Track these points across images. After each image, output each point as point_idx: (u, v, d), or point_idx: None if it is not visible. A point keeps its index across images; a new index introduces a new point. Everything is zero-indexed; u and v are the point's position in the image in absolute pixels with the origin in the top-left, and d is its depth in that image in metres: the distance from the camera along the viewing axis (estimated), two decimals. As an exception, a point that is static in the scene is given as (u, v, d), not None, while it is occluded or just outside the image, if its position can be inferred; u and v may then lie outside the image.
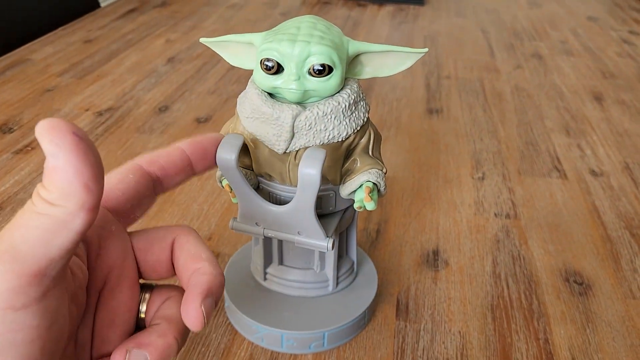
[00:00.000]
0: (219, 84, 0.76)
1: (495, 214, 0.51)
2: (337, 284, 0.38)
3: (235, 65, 0.32)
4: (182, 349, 0.36)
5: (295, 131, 0.28)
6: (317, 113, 0.28)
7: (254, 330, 0.36)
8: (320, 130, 0.29)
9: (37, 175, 0.55)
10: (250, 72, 0.31)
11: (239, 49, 0.31)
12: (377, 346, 0.37)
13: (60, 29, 0.96)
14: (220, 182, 0.32)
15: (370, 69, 0.31)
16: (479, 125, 0.68)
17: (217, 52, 0.32)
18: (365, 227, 0.49)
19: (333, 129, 0.29)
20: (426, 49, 0.30)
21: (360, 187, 0.30)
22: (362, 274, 0.41)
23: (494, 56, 0.91)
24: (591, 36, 1.01)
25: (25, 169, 0.56)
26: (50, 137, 0.16)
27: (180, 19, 1.04)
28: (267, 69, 0.28)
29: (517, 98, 0.76)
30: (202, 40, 0.31)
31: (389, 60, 0.30)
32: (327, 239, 0.31)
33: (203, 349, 0.37)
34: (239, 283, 0.39)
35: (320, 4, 1.18)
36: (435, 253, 0.46)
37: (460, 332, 0.39)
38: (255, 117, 0.29)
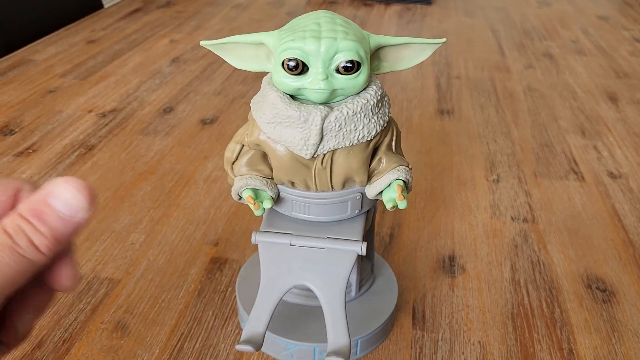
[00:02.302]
0: (224, 84, 0.75)
1: (512, 218, 0.49)
2: (359, 288, 0.37)
3: (240, 68, 0.30)
4: (189, 359, 0.35)
5: (324, 133, 0.27)
6: (347, 112, 0.27)
7: (282, 348, 0.34)
8: (351, 130, 0.27)
9: (38, 178, 0.53)
10: (258, 73, 0.30)
11: (244, 51, 0.29)
12: (394, 357, 0.36)
13: (62, 29, 0.95)
14: (239, 196, 0.30)
15: (387, 64, 0.30)
16: (492, 126, 0.66)
17: (219, 55, 0.30)
18: (378, 232, 0.47)
19: (363, 128, 0.27)
20: (444, 39, 0.29)
21: (388, 186, 0.29)
22: (379, 276, 0.39)
23: (504, 55, 0.89)
24: (603, 35, 1.00)
25: (27, 172, 0.54)
26: (91, 202, 0.17)
27: (185, 19, 1.02)
28: (291, 70, 0.26)
29: (530, 98, 0.74)
30: (202, 43, 0.29)
31: (406, 53, 0.29)
32: (362, 242, 0.30)
33: (211, 361, 0.35)
34: (255, 298, 0.34)
35: (326, 4, 1.17)
36: (451, 258, 0.44)
37: (480, 342, 0.37)
38: (278, 121, 0.27)
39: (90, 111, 0.67)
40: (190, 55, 0.85)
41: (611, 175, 0.57)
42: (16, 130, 0.62)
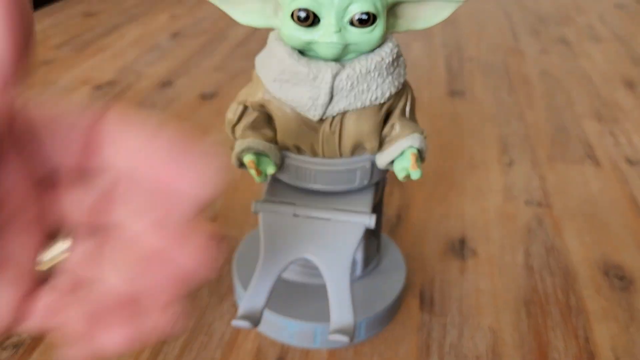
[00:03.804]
0: (226, 60, 0.72)
1: (525, 202, 0.47)
2: (365, 266, 0.35)
3: (244, 23, 0.28)
4: (182, 337, 0.33)
5: (334, 92, 0.25)
6: (360, 70, 0.25)
7: (281, 327, 0.32)
8: (363, 90, 0.25)
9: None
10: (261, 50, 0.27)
11: (251, 4, 0.27)
12: (400, 341, 0.33)
13: (60, 1, 0.92)
14: (240, 162, 0.27)
15: (404, 21, 0.27)
16: (505, 109, 0.63)
17: (223, 9, 0.28)
18: (384, 212, 0.45)
19: (376, 88, 0.25)
20: None
21: (401, 154, 0.27)
22: (386, 255, 0.37)
23: (517, 40, 0.86)
24: (620, 23, 0.97)
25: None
26: None
27: (187, -5, 0.99)
28: (301, 21, 0.24)
29: (544, 82, 0.71)
30: None
31: (424, 11, 0.27)
32: (371, 214, 0.28)
33: (205, 339, 0.33)
34: (252, 275, 0.34)
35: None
36: (462, 241, 0.42)
37: (490, 327, 0.35)
38: (285, 79, 0.25)
39: (85, 83, 0.64)
40: (191, 30, 0.82)
41: (629, 161, 0.54)
42: (8, 99, 0.60)
